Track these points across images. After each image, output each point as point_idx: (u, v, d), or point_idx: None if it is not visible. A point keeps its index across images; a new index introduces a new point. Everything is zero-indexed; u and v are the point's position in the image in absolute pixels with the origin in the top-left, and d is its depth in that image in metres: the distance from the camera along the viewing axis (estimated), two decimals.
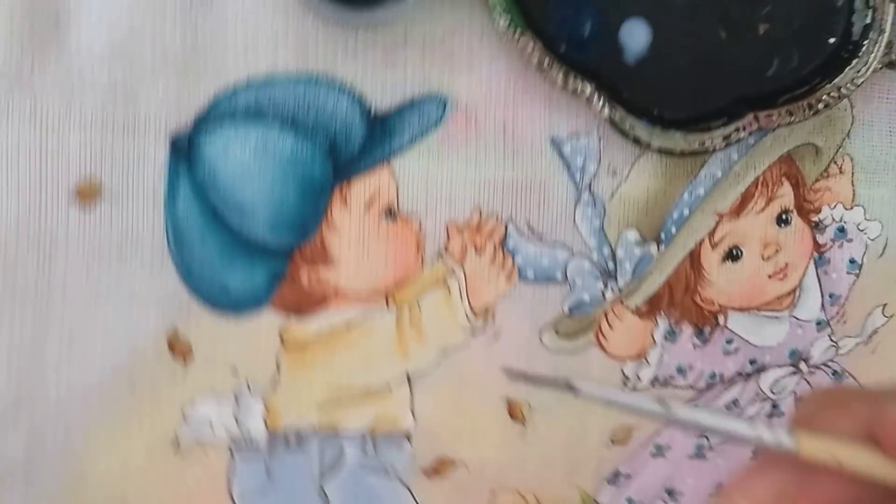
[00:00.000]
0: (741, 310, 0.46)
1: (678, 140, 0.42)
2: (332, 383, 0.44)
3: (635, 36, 0.42)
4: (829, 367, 0.48)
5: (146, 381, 0.42)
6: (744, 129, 0.42)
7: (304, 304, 0.43)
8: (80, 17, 0.39)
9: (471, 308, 0.44)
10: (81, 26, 0.39)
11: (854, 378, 0.48)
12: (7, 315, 0.41)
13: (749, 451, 0.48)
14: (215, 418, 0.43)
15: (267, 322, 0.43)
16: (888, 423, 0.30)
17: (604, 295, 0.45)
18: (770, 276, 0.46)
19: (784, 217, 0.46)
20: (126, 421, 0.43)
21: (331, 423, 0.44)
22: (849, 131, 0.46)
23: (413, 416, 0.45)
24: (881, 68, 0.43)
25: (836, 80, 0.43)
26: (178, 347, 0.42)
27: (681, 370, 0.46)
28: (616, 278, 0.45)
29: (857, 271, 0.47)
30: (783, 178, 0.45)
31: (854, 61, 0.43)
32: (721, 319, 0.46)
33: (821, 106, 0.43)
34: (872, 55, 0.43)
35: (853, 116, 0.46)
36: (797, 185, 0.46)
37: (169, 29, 0.40)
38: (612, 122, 0.42)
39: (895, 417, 0.30)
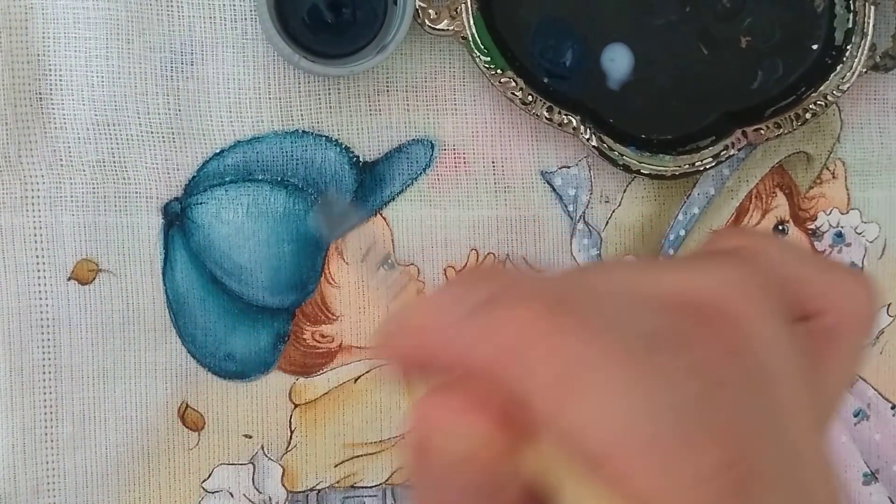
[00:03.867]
0: None
1: (668, 163, 0.40)
2: (345, 439, 0.42)
3: (617, 61, 0.40)
4: None
5: (162, 456, 0.40)
6: (732, 146, 0.40)
7: (311, 362, 0.41)
8: (63, 91, 0.38)
9: None
10: (65, 101, 0.38)
11: (865, 380, 0.46)
12: (19, 400, 0.39)
13: None
14: (234, 488, 0.41)
15: (275, 384, 0.41)
16: None
17: None
18: None
19: (780, 228, 0.44)
20: (146, 499, 0.41)
21: (350, 480, 0.42)
22: (839, 136, 0.44)
23: None
24: (866, 72, 0.41)
25: (822, 88, 0.41)
26: (189, 418, 0.40)
27: None
28: None
29: None
30: (776, 189, 0.43)
31: (838, 67, 0.41)
32: None
33: (808, 115, 0.41)
34: (856, 59, 0.40)
35: (842, 121, 0.43)
36: (791, 195, 0.44)
37: (151, 96, 0.38)
38: (600, 152, 0.40)
39: (541, 388, 0.22)
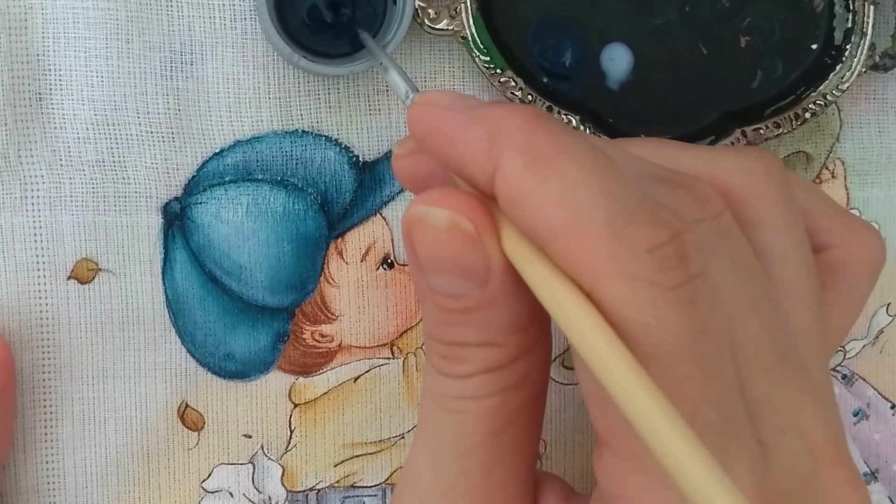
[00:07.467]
0: None
1: None
2: (345, 439, 0.42)
3: (616, 61, 0.40)
4: (838, 371, 0.45)
5: (162, 456, 0.40)
6: (732, 145, 0.40)
7: (310, 361, 0.41)
8: (62, 91, 0.37)
9: None
10: (64, 101, 0.37)
11: (864, 380, 0.46)
12: (19, 400, 0.38)
13: None
14: (234, 487, 0.41)
15: (275, 383, 0.40)
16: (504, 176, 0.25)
17: None
18: None
19: None
20: (146, 499, 0.40)
21: (349, 480, 0.42)
22: (838, 135, 0.43)
23: None
24: (865, 71, 0.40)
25: (821, 88, 0.40)
26: (189, 418, 0.40)
27: None
28: None
29: None
30: None
31: (838, 66, 0.40)
32: None
33: (808, 115, 0.40)
34: (856, 59, 0.40)
35: (841, 120, 0.43)
36: None
37: (151, 96, 0.38)
38: None
39: (511, 171, 0.24)
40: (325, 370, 0.41)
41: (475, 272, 0.25)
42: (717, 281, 0.24)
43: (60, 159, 0.38)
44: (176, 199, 0.39)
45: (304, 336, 0.40)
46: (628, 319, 0.23)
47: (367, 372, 0.41)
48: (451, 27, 0.38)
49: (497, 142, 0.24)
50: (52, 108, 0.37)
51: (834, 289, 0.29)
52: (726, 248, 0.25)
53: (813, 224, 0.30)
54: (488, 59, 0.39)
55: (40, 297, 0.38)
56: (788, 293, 0.27)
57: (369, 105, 0.40)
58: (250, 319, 0.40)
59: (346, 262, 0.40)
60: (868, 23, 0.40)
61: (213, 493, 0.41)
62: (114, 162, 0.38)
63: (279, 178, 0.39)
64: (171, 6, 0.38)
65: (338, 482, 0.42)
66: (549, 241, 0.23)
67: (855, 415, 0.46)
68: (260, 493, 0.41)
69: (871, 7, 0.40)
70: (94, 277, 0.38)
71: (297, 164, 0.40)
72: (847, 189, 0.44)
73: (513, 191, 0.24)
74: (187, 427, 0.40)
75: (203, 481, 0.41)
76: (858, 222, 0.30)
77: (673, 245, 0.23)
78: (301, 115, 0.40)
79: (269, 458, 0.41)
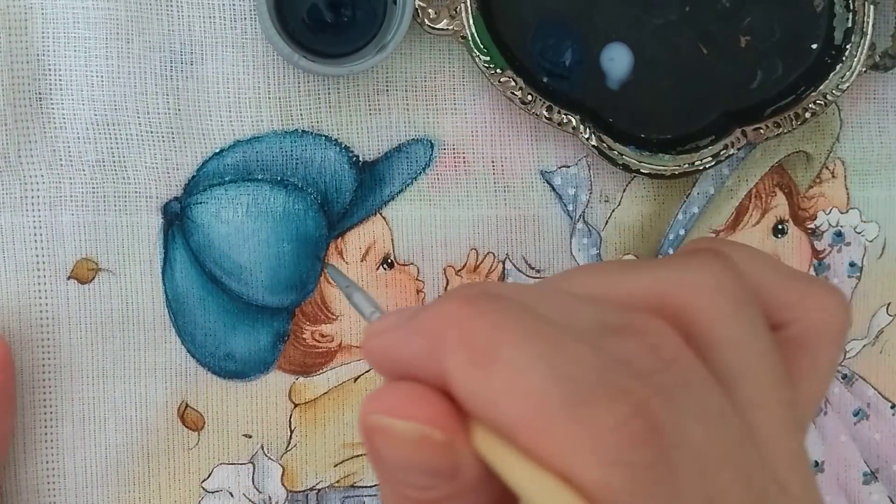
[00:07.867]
0: None
1: (667, 163, 0.40)
2: (345, 439, 0.42)
3: (616, 61, 0.40)
4: (839, 371, 0.46)
5: (162, 456, 0.40)
6: (732, 145, 0.40)
7: (310, 361, 0.41)
8: (62, 91, 0.37)
9: None
10: (64, 101, 0.37)
11: (865, 380, 0.46)
12: (19, 399, 0.38)
13: None
14: (234, 487, 0.41)
15: (275, 383, 0.40)
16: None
17: None
18: None
19: (780, 227, 0.43)
20: (146, 499, 0.40)
21: (349, 480, 0.42)
22: (838, 135, 0.43)
23: None
24: (865, 71, 0.40)
25: (822, 87, 0.40)
26: (189, 418, 0.40)
27: None
28: None
29: (858, 274, 0.44)
30: (776, 189, 0.43)
31: (838, 66, 0.40)
32: None
33: (808, 115, 0.40)
34: (856, 59, 0.40)
35: (841, 120, 0.43)
36: (790, 194, 0.43)
37: (151, 95, 0.38)
38: (599, 151, 0.39)
39: (456, 373, 0.23)
40: (325, 370, 0.41)
41: (445, 471, 0.24)
42: (688, 438, 0.23)
43: (60, 159, 0.38)
44: (176, 199, 0.39)
45: (304, 336, 0.40)
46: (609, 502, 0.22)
47: (367, 372, 0.41)
48: (451, 27, 0.38)
49: (436, 346, 0.23)
50: (52, 108, 0.37)
51: (799, 363, 0.28)
52: (690, 395, 0.24)
53: (768, 301, 0.28)
54: (488, 59, 0.39)
55: (40, 297, 0.38)
56: (755, 411, 0.25)
57: (369, 105, 0.40)
58: (250, 319, 0.40)
59: (346, 262, 0.40)
60: (868, 23, 0.40)
61: (213, 493, 0.41)
62: (114, 162, 0.38)
63: (279, 178, 0.39)
64: (171, 6, 0.38)
65: (338, 482, 0.42)
66: (514, 434, 0.22)
67: (855, 415, 0.46)
68: (260, 493, 0.41)
69: (871, 7, 0.40)
70: (94, 277, 0.38)
71: (297, 164, 0.40)
72: (847, 189, 0.44)
73: (464, 391, 0.23)
74: (187, 427, 0.40)
75: (203, 481, 0.41)
76: (815, 288, 0.28)
77: (640, 418, 0.22)
78: (301, 115, 0.40)
79: (269, 458, 0.41)
